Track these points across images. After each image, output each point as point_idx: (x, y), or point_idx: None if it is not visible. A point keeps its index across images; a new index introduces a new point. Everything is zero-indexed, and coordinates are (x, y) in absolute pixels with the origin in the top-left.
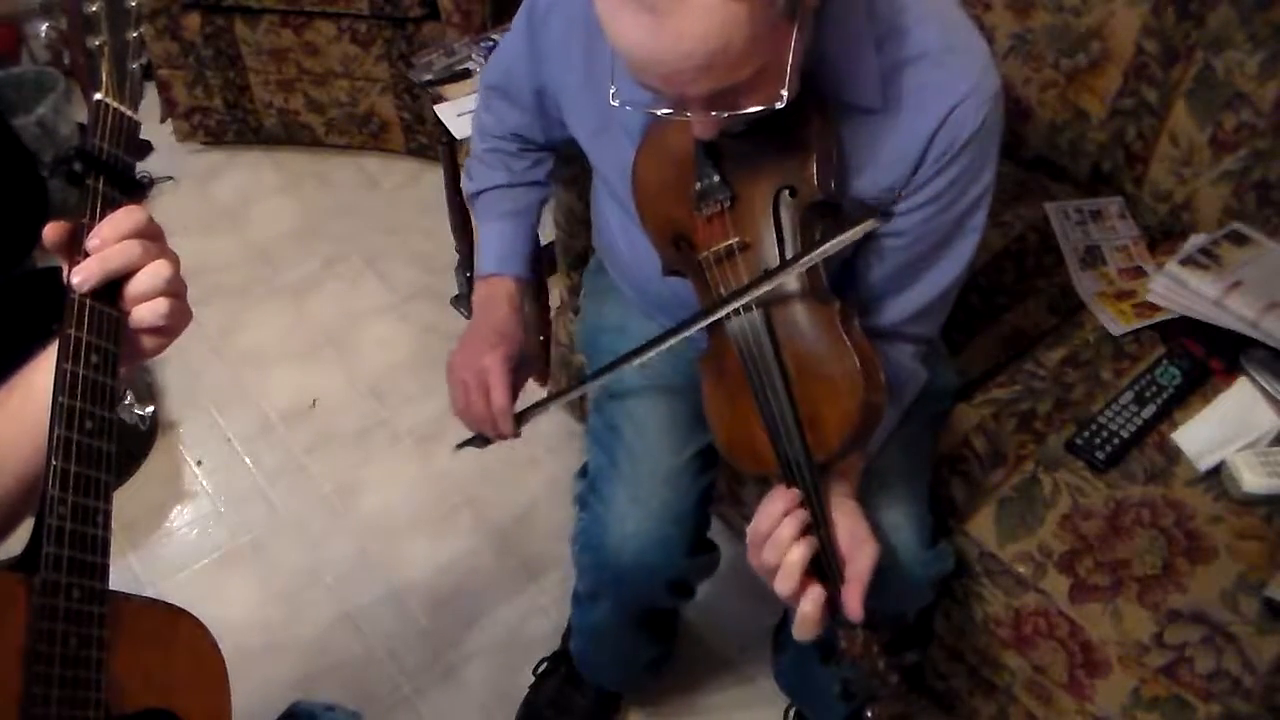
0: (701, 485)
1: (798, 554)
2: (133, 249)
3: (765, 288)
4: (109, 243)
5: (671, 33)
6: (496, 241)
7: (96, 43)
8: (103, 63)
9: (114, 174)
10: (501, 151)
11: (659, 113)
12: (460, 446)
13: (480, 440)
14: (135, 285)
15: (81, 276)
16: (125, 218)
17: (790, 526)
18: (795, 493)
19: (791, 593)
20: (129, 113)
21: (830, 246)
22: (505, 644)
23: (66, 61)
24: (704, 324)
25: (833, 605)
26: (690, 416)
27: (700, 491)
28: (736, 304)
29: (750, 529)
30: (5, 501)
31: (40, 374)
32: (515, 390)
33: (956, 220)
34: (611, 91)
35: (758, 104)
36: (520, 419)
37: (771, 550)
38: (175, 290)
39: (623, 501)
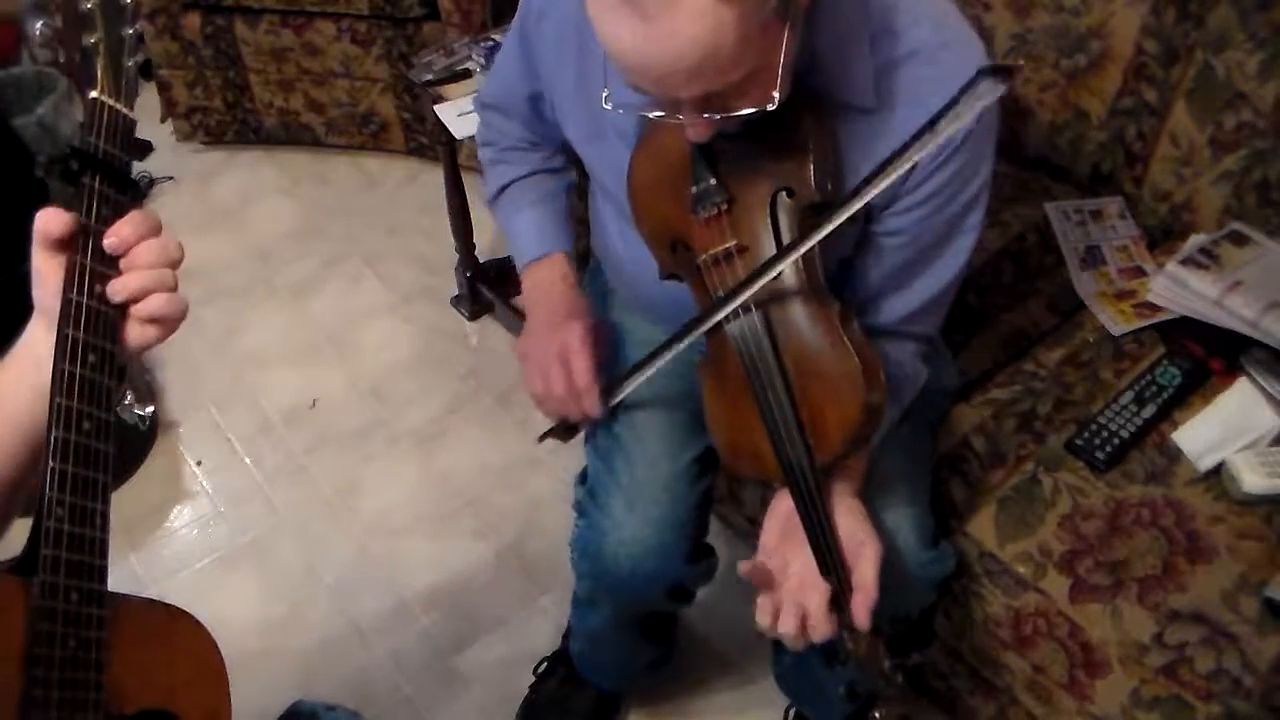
0: (699, 491)
1: (818, 607)
2: (169, 278)
3: (763, 281)
4: (127, 245)
5: (662, 36)
6: (533, 227)
7: (92, 40)
8: (98, 60)
9: (111, 172)
10: (515, 148)
11: (651, 115)
12: (543, 438)
13: (563, 430)
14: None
15: (120, 287)
16: (143, 222)
17: (789, 625)
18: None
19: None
20: (125, 110)
21: (820, 233)
22: (505, 644)
23: (63, 60)
24: (708, 325)
25: (838, 607)
26: (688, 421)
27: (698, 497)
28: (736, 303)
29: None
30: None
31: (8, 371)
32: (599, 364)
33: (954, 218)
34: (604, 95)
35: (750, 106)
36: (607, 395)
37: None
38: (169, 285)
39: (620, 509)
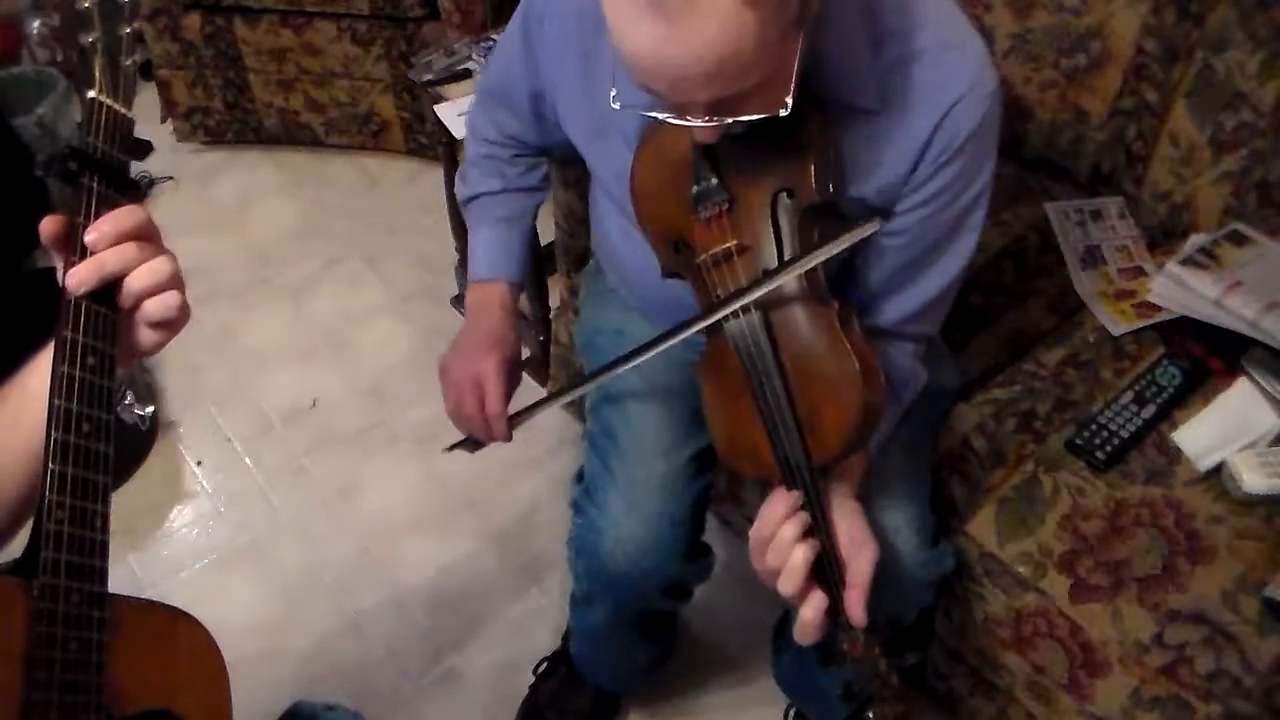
0: (696, 489)
1: (800, 556)
2: (129, 252)
3: (763, 290)
4: (107, 241)
5: (683, 39)
6: (489, 247)
7: (89, 39)
8: (96, 60)
9: (109, 172)
10: (495, 158)
11: (660, 117)
12: (451, 449)
13: (471, 443)
14: (133, 282)
15: (77, 279)
16: (125, 217)
17: (792, 529)
18: (796, 494)
19: (795, 593)
20: (123, 110)
21: (829, 249)
22: (505, 644)
23: (61, 59)
24: (704, 325)
25: (833, 608)
26: (686, 420)
27: (695, 496)
28: (735, 306)
29: (752, 532)
30: (6, 508)
31: (36, 376)
32: (509, 394)
33: (956, 219)
34: (612, 94)
35: (760, 111)
36: (513, 422)
37: (774, 554)
38: (174, 284)
39: (617, 507)
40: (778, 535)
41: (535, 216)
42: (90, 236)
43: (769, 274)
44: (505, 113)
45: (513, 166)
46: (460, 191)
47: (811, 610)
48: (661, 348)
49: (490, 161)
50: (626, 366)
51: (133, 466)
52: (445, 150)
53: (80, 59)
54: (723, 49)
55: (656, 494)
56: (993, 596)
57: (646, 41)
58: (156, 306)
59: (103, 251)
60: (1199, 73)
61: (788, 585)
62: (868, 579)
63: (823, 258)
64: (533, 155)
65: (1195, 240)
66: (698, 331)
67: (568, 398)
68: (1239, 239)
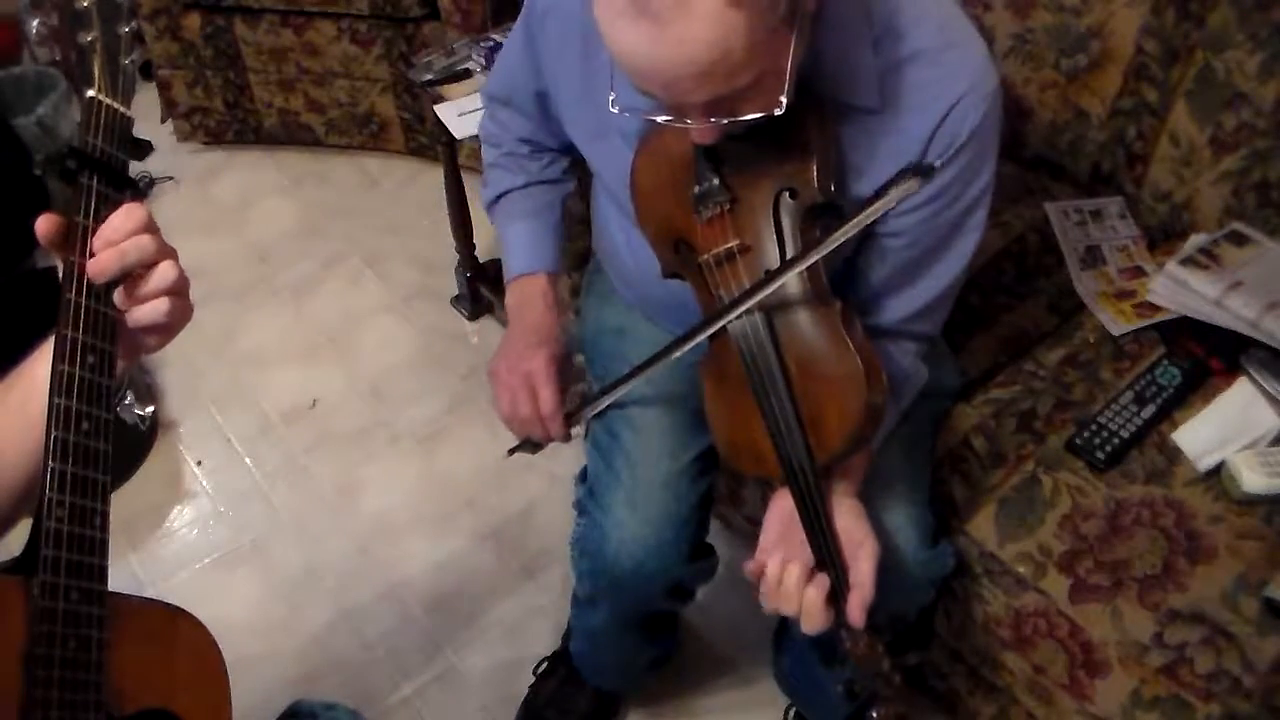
0: (700, 490)
1: (813, 598)
2: (147, 244)
3: (773, 286)
4: (115, 240)
5: (672, 40)
6: (521, 242)
7: (88, 38)
8: (95, 59)
9: (108, 171)
10: (515, 154)
11: (658, 119)
12: (512, 452)
13: (531, 445)
14: (140, 285)
15: (99, 267)
16: (127, 217)
17: (794, 576)
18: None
19: (818, 627)
20: (122, 109)
21: (872, 211)
22: (505, 643)
23: (60, 58)
24: (714, 329)
25: (837, 606)
26: (689, 421)
27: (699, 496)
28: (745, 306)
29: (763, 587)
30: (8, 498)
31: (41, 365)
32: (563, 392)
33: (957, 218)
34: (610, 98)
35: (757, 110)
36: (569, 421)
37: (786, 604)
38: (178, 288)
39: (620, 508)
40: (784, 585)
41: (564, 209)
42: (98, 243)
43: (772, 272)
44: (514, 116)
45: (534, 161)
46: (484, 196)
47: (816, 589)
48: (676, 354)
49: (511, 159)
50: (642, 376)
51: (133, 466)
52: (445, 150)
53: (79, 58)
54: (712, 50)
55: (661, 494)
56: (993, 596)
57: (637, 45)
58: (146, 312)
59: (124, 244)
60: (1199, 73)
61: (809, 627)
62: (869, 579)
63: (869, 219)
64: (550, 151)
65: (1195, 240)
66: (680, 353)
67: (618, 393)
68: (1239, 239)
